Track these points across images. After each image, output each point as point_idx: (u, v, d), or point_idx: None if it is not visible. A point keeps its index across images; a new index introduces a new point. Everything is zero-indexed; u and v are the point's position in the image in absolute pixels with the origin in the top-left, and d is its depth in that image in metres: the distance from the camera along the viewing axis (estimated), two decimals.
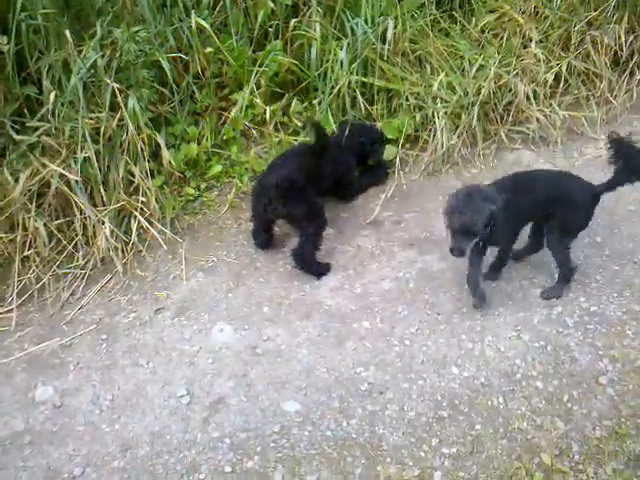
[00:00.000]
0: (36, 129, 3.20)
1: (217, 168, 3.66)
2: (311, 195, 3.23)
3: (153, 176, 3.44)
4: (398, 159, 3.78)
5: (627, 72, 4.17)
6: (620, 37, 4.06)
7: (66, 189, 3.15)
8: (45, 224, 3.12)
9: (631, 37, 4.12)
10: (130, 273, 3.28)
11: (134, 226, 3.29)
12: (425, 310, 3.04)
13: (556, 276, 3.06)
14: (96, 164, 3.20)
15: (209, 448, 2.54)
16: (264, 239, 3.37)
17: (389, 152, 3.77)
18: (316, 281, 3.22)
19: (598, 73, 4.11)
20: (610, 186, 2.94)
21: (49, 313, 3.11)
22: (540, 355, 2.82)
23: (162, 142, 3.42)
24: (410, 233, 3.42)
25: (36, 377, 2.83)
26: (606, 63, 4.10)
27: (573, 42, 4.07)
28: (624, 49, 4.08)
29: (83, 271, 3.22)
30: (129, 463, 2.49)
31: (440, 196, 3.63)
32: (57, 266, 3.21)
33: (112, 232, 3.20)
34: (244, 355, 2.89)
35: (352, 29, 3.73)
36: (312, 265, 3.21)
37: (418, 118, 3.77)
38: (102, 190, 3.25)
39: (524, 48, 4.01)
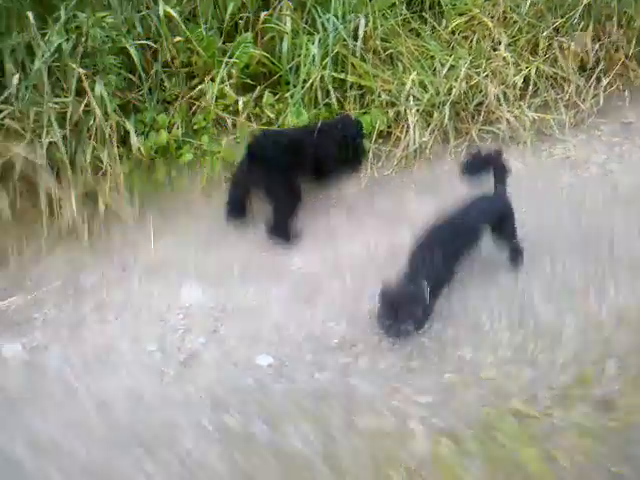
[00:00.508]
0: None
1: (188, 156, 3.88)
2: (292, 174, 3.59)
3: (122, 162, 3.65)
4: (371, 154, 4.10)
5: (594, 78, 4.58)
6: (586, 44, 4.49)
7: (31, 173, 3.35)
8: (10, 202, 3.31)
9: (597, 45, 4.56)
10: (97, 239, 3.49)
11: (102, 209, 3.50)
12: (394, 271, 3.22)
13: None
14: (62, 148, 3.40)
15: (186, 403, 2.74)
16: (236, 210, 3.67)
17: None
18: (286, 247, 3.52)
19: (566, 77, 4.51)
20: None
21: (13, 270, 3.27)
22: (506, 311, 3.17)
23: (131, 129, 3.65)
24: (381, 210, 3.80)
25: (1, 334, 2.99)
26: (573, 68, 4.50)
27: (541, 47, 4.47)
28: (590, 56, 4.51)
29: (49, 232, 3.40)
30: (106, 421, 2.65)
31: (412, 192, 3.99)
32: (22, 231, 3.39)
33: (78, 210, 3.40)
34: (214, 311, 3.13)
35: (323, 25, 4.06)
36: (284, 229, 3.53)
37: (391, 114, 4.09)
38: (69, 173, 3.45)
39: (494, 51, 4.38)
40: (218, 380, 2.84)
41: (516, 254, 3.40)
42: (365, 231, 3.66)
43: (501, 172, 3.34)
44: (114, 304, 3.17)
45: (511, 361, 2.95)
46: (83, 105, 3.51)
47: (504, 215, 3.30)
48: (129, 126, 3.65)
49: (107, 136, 3.55)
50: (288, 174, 3.56)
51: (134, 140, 3.64)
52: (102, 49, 3.67)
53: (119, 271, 3.34)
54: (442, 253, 3.00)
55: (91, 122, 3.55)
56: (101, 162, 3.56)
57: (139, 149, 3.67)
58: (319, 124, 3.74)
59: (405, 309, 2.85)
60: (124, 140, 3.73)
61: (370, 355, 2.98)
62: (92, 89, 3.52)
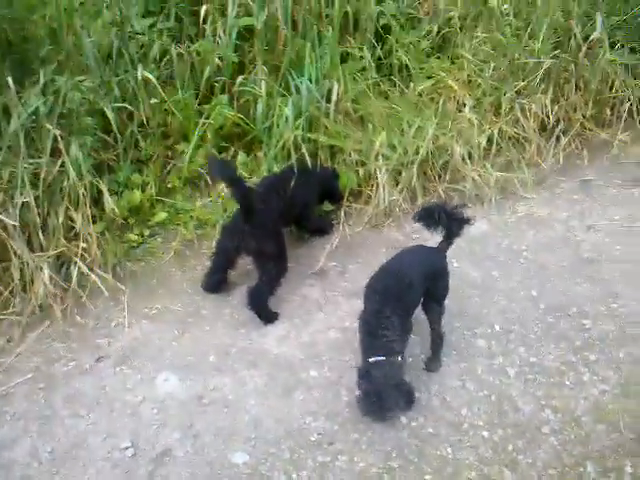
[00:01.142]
0: None
1: (161, 215, 3.73)
2: (281, 235, 3.42)
3: (95, 222, 3.47)
4: (342, 212, 3.98)
5: (554, 138, 4.57)
6: (546, 106, 4.47)
7: (3, 234, 3.14)
8: None
9: (556, 106, 4.54)
10: (70, 320, 3.24)
11: (74, 272, 3.28)
12: None
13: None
14: (35, 209, 3.21)
15: None
16: (217, 280, 3.44)
17: (326, 205, 4.01)
18: (263, 329, 3.29)
19: (527, 138, 4.48)
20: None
21: None
22: (485, 405, 2.97)
23: (104, 189, 3.48)
24: (354, 284, 3.55)
25: None
26: (534, 129, 4.48)
27: (504, 109, 4.44)
28: (550, 117, 4.49)
29: (20, 318, 3.16)
30: None
31: (383, 248, 3.85)
32: None
33: (51, 278, 3.17)
34: (190, 405, 2.90)
35: (297, 87, 3.97)
36: (264, 308, 3.30)
37: (361, 173, 4.00)
38: (41, 235, 3.24)
39: (459, 112, 4.34)
40: None
41: (437, 338, 3.12)
42: (339, 308, 3.48)
43: (452, 229, 3.08)
44: (86, 397, 2.93)
45: (491, 462, 2.76)
46: (58, 165, 3.33)
47: (437, 273, 3.08)
48: (102, 186, 3.48)
49: (81, 196, 3.35)
50: (278, 236, 3.39)
51: (108, 200, 3.47)
52: (79, 111, 3.52)
53: (92, 360, 3.11)
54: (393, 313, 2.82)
55: (65, 182, 3.36)
56: (73, 222, 3.35)
57: (112, 209, 3.48)
58: (293, 171, 3.59)
59: (390, 396, 2.71)
60: (97, 200, 3.54)
61: (349, 454, 2.76)
62: (67, 150, 3.35)
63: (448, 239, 3.12)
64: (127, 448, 2.70)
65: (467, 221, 3.09)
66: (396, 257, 3.12)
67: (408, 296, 2.92)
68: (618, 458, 2.75)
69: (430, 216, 3.04)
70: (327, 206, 4.02)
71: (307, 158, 3.70)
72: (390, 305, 2.81)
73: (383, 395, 2.70)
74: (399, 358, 2.78)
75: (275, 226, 3.40)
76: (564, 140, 4.59)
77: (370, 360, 2.78)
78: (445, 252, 3.14)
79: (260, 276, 3.31)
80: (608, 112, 4.79)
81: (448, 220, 3.02)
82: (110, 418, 2.83)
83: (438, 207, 3.04)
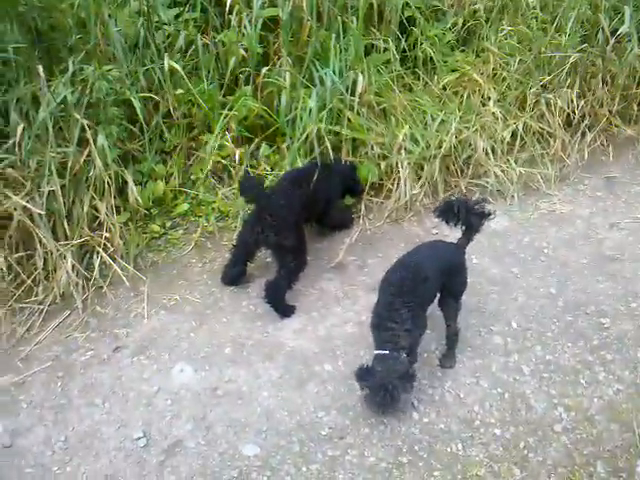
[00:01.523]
0: (0, 161, 3.16)
1: (183, 207, 3.67)
2: (301, 229, 3.32)
3: (118, 212, 3.42)
4: (363, 206, 3.86)
5: (579, 133, 4.39)
6: (572, 100, 4.28)
7: (29, 222, 3.10)
8: (5, 257, 3.05)
9: (582, 101, 4.36)
10: (90, 310, 3.21)
11: (96, 262, 3.25)
12: None
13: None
14: (61, 198, 3.17)
15: None
16: (236, 273, 3.37)
17: (347, 200, 3.88)
18: (279, 322, 3.22)
19: (552, 133, 4.31)
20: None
21: (3, 348, 3.01)
22: (498, 402, 2.87)
23: (129, 179, 3.42)
24: (373, 278, 3.44)
25: None
26: (559, 124, 4.30)
27: (529, 103, 4.26)
28: (576, 112, 4.30)
29: (41, 306, 3.14)
30: None
31: (402, 243, 3.73)
32: (14, 300, 3.13)
33: (73, 267, 3.15)
34: (204, 397, 2.84)
35: (321, 79, 3.84)
36: (281, 302, 3.22)
37: (383, 167, 3.87)
38: (65, 224, 3.21)
39: (483, 106, 4.18)
40: (201, 471, 2.56)
41: (453, 334, 3.00)
42: (357, 302, 3.38)
43: (472, 224, 2.95)
44: (103, 386, 2.89)
45: (501, 459, 2.66)
46: (84, 155, 3.28)
47: (454, 268, 2.95)
48: (128, 176, 3.41)
49: (105, 186, 3.29)
50: (298, 230, 3.29)
51: (133, 190, 3.40)
52: (106, 101, 3.46)
53: (110, 350, 3.06)
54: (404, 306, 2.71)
55: (91, 172, 3.31)
56: (97, 211, 3.31)
57: (136, 199, 3.42)
58: (317, 166, 3.47)
59: (394, 388, 2.61)
60: (121, 190, 3.49)
61: (359, 448, 2.68)
62: (94, 139, 3.29)
63: (468, 235, 3.00)
64: (139, 438, 2.66)
65: (487, 216, 2.95)
66: (413, 251, 3.00)
67: (423, 290, 2.80)
68: (630, 458, 2.64)
69: (450, 210, 2.91)
70: (348, 199, 3.91)
71: (330, 151, 3.60)
72: (403, 298, 2.71)
73: (386, 388, 2.60)
74: (404, 354, 2.68)
75: (296, 220, 3.29)
76: (589, 136, 4.42)
77: (375, 352, 2.70)
78: (464, 248, 3.02)
79: (279, 270, 3.23)
80: (635, 108, 4.57)
81: (468, 215, 2.90)
82: (124, 408, 2.79)
83: (459, 202, 2.92)
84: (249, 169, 3.78)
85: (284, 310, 3.24)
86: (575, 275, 3.54)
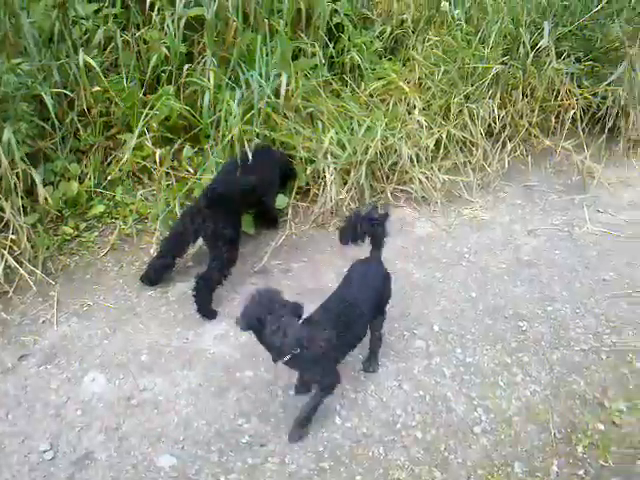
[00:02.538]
0: None
1: (99, 208, 3.55)
2: (240, 220, 3.35)
3: (26, 213, 3.26)
4: (290, 209, 3.86)
5: (500, 143, 4.55)
6: (493, 111, 4.46)
7: None
8: None
9: (503, 112, 4.53)
10: None
11: (1, 265, 3.08)
12: None
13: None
14: None
15: None
16: (162, 265, 3.29)
17: (281, 201, 3.86)
18: (200, 328, 3.15)
19: (474, 142, 4.45)
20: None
21: None
22: (419, 405, 2.91)
23: (38, 178, 3.26)
24: (298, 282, 3.46)
25: None
26: (481, 133, 4.45)
27: (452, 112, 4.40)
28: (497, 122, 4.48)
29: None
30: None
31: (328, 247, 3.75)
32: None
33: None
34: (117, 406, 2.74)
35: (247, 81, 3.83)
36: (209, 296, 3.19)
37: (309, 171, 3.89)
38: None
39: (408, 114, 4.28)
40: None
41: (377, 339, 2.99)
42: None
43: (378, 233, 2.86)
44: (6, 397, 2.72)
45: (422, 462, 2.69)
46: None
47: (383, 290, 2.92)
48: (36, 175, 3.26)
49: (12, 185, 3.13)
50: (237, 221, 3.34)
51: (41, 190, 3.26)
52: (15, 95, 3.29)
53: (15, 358, 2.91)
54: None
55: None
56: (3, 212, 3.13)
57: (46, 199, 3.27)
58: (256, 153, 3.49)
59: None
60: (30, 190, 3.32)
61: (280, 455, 2.65)
62: (0, 136, 3.11)
63: (378, 245, 2.90)
64: (46, 451, 2.53)
65: (387, 217, 2.87)
66: (347, 282, 2.84)
67: (358, 327, 2.75)
68: (546, 458, 2.72)
69: (352, 230, 2.81)
70: (280, 203, 3.88)
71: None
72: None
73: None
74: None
75: (237, 210, 3.33)
76: (510, 145, 4.59)
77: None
78: (381, 260, 2.96)
79: (211, 262, 3.20)
80: (553, 120, 4.80)
81: (371, 227, 2.81)
82: (30, 420, 2.65)
83: (356, 218, 2.81)
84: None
85: (207, 309, 3.19)
86: (495, 280, 3.66)
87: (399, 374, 3.04)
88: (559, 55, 4.69)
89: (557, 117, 4.80)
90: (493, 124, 4.49)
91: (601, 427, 2.84)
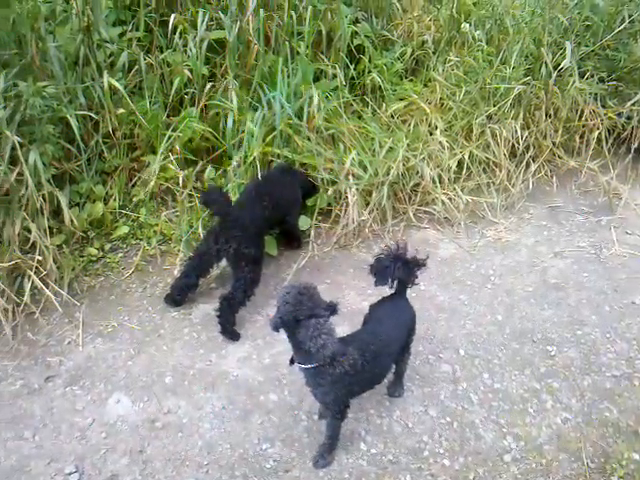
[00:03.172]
0: None
1: (123, 229, 3.60)
2: (263, 241, 3.38)
3: (53, 234, 3.32)
4: (312, 231, 3.89)
5: (524, 163, 4.56)
6: (517, 131, 4.47)
7: None
8: None
9: (526, 132, 4.54)
10: (20, 336, 3.09)
11: (27, 286, 3.13)
12: None
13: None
14: None
15: None
16: (186, 284, 3.32)
17: (303, 222, 3.89)
18: (223, 350, 3.16)
19: (497, 163, 4.46)
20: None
21: None
22: (447, 432, 2.89)
23: (64, 200, 3.33)
24: None
25: None
26: (504, 154, 4.46)
27: (475, 133, 4.41)
28: (520, 142, 4.48)
29: None
30: None
31: (351, 269, 3.77)
32: None
33: (2, 291, 3.03)
34: (142, 429, 2.75)
35: (269, 102, 3.89)
36: (233, 317, 3.21)
37: (331, 192, 3.93)
38: None
39: (430, 135, 4.30)
40: None
41: (402, 369, 2.98)
42: None
43: (410, 276, 2.77)
44: (33, 418, 2.76)
45: None
46: (15, 174, 3.18)
47: (412, 325, 2.87)
48: (62, 197, 3.33)
49: (38, 207, 3.20)
50: (260, 241, 3.37)
51: (67, 211, 3.31)
52: (41, 118, 3.37)
53: (41, 379, 2.94)
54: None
55: (22, 192, 3.20)
56: (30, 233, 3.20)
57: (72, 221, 3.33)
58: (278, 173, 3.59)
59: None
60: (57, 212, 3.39)
61: None
62: (26, 158, 3.19)
63: (407, 285, 2.82)
64: (72, 473, 2.55)
65: (423, 264, 2.78)
66: (377, 317, 2.78)
67: (384, 362, 2.73)
68: None
69: (390, 271, 2.71)
70: (303, 224, 3.92)
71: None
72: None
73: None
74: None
75: (260, 231, 3.36)
76: (534, 166, 4.60)
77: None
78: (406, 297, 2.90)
79: (235, 283, 3.22)
80: (577, 140, 4.80)
81: (405, 269, 2.72)
82: (56, 441, 2.67)
83: (395, 260, 2.71)
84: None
85: (231, 330, 3.22)
86: (521, 302, 3.64)
87: (425, 399, 3.03)
88: (582, 75, 4.71)
89: (582, 137, 4.79)
90: (516, 144, 4.50)
91: (636, 457, 2.81)
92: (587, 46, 4.81)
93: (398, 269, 2.69)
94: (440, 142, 4.24)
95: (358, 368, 2.49)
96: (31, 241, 3.21)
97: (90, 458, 2.62)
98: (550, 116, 4.70)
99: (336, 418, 2.62)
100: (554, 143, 4.70)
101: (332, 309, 2.37)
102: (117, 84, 3.58)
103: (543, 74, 4.59)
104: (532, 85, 4.58)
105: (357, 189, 3.91)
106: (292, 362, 2.49)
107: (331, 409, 2.60)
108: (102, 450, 2.65)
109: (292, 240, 3.86)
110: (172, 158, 3.67)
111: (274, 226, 3.67)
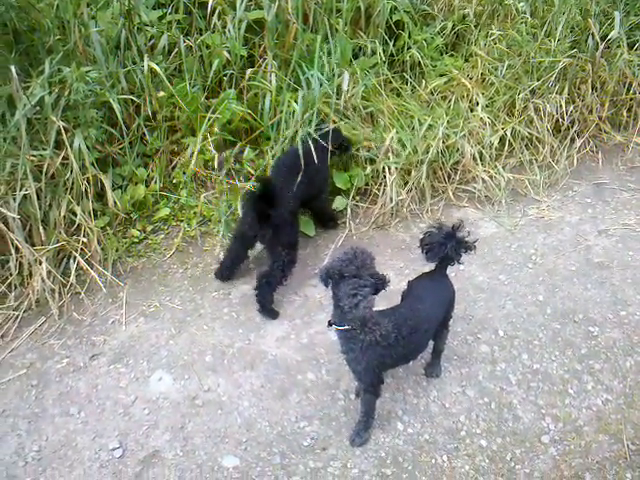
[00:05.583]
0: None
1: (165, 211, 3.64)
2: (297, 223, 3.34)
3: (97, 216, 3.39)
4: (349, 210, 3.85)
5: (568, 139, 4.41)
6: (561, 106, 4.30)
7: (3, 226, 3.06)
8: None
9: (571, 107, 4.37)
10: (66, 316, 3.17)
11: (73, 267, 3.21)
12: None
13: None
14: (36, 202, 3.13)
15: None
16: (234, 261, 3.35)
17: (340, 203, 3.85)
18: (262, 330, 3.19)
19: (541, 139, 4.32)
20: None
21: None
22: (484, 412, 2.86)
23: (107, 183, 3.39)
24: None
25: None
26: (548, 129, 4.31)
27: (517, 108, 4.27)
28: (565, 118, 4.32)
29: (16, 312, 3.10)
30: None
31: (389, 249, 3.72)
32: None
33: (49, 273, 3.11)
34: (183, 406, 2.81)
35: (308, 81, 3.83)
36: (271, 296, 3.22)
37: (369, 171, 3.87)
38: (41, 229, 3.16)
39: (471, 111, 4.18)
40: None
41: (439, 349, 2.95)
42: None
43: (457, 258, 2.71)
44: (78, 395, 2.84)
45: (487, 471, 2.65)
46: (60, 158, 3.24)
47: (449, 306, 2.82)
48: (105, 180, 3.38)
49: (83, 189, 3.26)
50: (295, 225, 3.30)
51: (110, 194, 3.37)
52: (84, 103, 3.42)
53: (87, 357, 3.01)
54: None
55: (67, 175, 3.27)
56: (75, 215, 3.27)
57: (115, 203, 3.38)
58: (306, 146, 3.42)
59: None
60: (100, 194, 3.45)
61: (342, 460, 2.66)
62: (71, 142, 3.25)
63: (450, 263, 2.76)
64: (115, 449, 2.62)
65: (474, 247, 2.71)
66: (417, 293, 2.73)
67: (420, 339, 2.68)
68: (619, 470, 2.64)
69: (442, 248, 2.64)
70: (340, 203, 3.86)
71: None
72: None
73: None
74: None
75: (293, 213, 3.29)
76: (579, 142, 4.45)
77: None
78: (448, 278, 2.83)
79: (271, 265, 3.21)
80: (625, 114, 4.60)
81: (457, 248, 2.66)
82: (100, 417, 2.75)
83: (447, 237, 2.63)
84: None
85: (269, 309, 3.23)
86: (563, 282, 3.54)
87: (463, 380, 2.99)
88: (631, 46, 4.50)
89: (629, 111, 4.61)
90: (561, 120, 4.34)
91: None
92: (637, 15, 4.57)
93: (451, 248, 2.65)
94: (481, 118, 4.13)
95: (391, 341, 2.47)
96: (76, 223, 3.28)
97: (133, 434, 2.69)
98: (596, 90, 4.52)
99: (368, 392, 2.61)
100: (600, 117, 4.52)
101: (378, 280, 2.37)
102: (157, 67, 3.59)
103: (590, 46, 4.39)
104: (578, 58, 4.39)
105: (396, 168, 3.84)
106: (330, 324, 2.49)
107: (363, 380, 2.59)
108: (144, 426, 2.72)
109: (327, 220, 3.82)
110: (210, 140, 3.66)
111: (306, 204, 3.62)
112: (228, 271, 3.40)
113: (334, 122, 3.78)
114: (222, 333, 3.17)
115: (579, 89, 4.51)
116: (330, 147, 3.55)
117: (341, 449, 2.68)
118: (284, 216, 3.17)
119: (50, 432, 2.68)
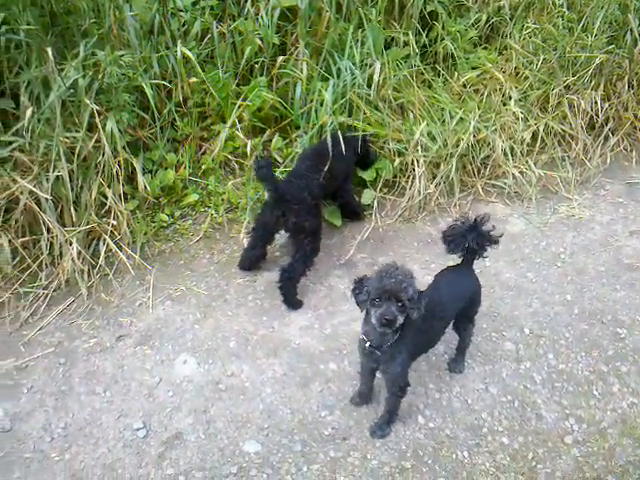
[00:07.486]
0: (9, 143, 3.16)
1: (193, 197, 3.66)
2: (320, 212, 3.34)
3: (127, 200, 3.42)
4: (376, 202, 3.83)
5: (602, 137, 4.34)
6: (596, 103, 4.23)
7: (35, 207, 3.11)
8: (10, 240, 3.06)
9: (606, 104, 4.30)
10: (94, 297, 3.22)
11: (102, 249, 3.25)
12: None
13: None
14: (68, 183, 3.17)
15: None
16: (256, 255, 3.36)
17: (367, 196, 3.84)
18: (286, 318, 3.20)
19: (574, 135, 4.26)
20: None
21: (7, 332, 3.02)
22: (507, 410, 2.84)
23: (138, 166, 3.42)
24: None
25: None
26: (582, 126, 4.25)
27: (551, 104, 4.22)
28: (600, 114, 4.25)
29: (46, 291, 3.15)
30: None
31: (415, 242, 3.71)
32: (19, 284, 3.14)
33: (79, 253, 3.15)
34: (206, 390, 2.84)
35: (339, 70, 3.81)
36: (294, 287, 3.22)
37: (397, 164, 3.84)
38: (72, 210, 3.20)
39: (503, 105, 4.13)
40: (200, 466, 2.57)
41: (466, 338, 2.93)
42: None
43: (482, 252, 2.73)
44: (104, 375, 2.88)
45: (508, 469, 2.64)
46: (93, 141, 3.27)
47: (472, 300, 2.81)
48: (136, 163, 3.41)
49: (114, 172, 3.29)
50: (318, 212, 3.31)
51: (141, 178, 3.40)
52: (118, 86, 3.45)
53: (113, 338, 3.05)
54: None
55: (99, 158, 3.30)
56: (106, 198, 3.31)
57: (145, 187, 3.41)
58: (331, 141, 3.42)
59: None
60: (131, 178, 3.48)
61: (362, 450, 2.67)
62: (103, 125, 3.28)
63: (476, 257, 2.76)
64: (139, 429, 2.66)
65: (497, 241, 2.71)
66: (436, 283, 2.75)
67: (434, 327, 2.66)
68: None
69: (464, 240, 2.65)
70: (367, 197, 3.85)
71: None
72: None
73: None
74: None
75: (315, 202, 3.29)
76: (613, 140, 4.38)
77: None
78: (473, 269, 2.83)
79: (294, 254, 3.22)
80: None
81: (480, 240, 2.66)
82: (126, 398, 2.79)
83: (471, 230, 2.64)
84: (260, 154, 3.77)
85: (293, 300, 3.24)
86: (592, 282, 3.50)
87: (486, 377, 2.98)
88: None
89: None
90: (595, 117, 4.28)
91: None
92: None
93: (473, 240, 2.63)
94: (514, 113, 4.07)
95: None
96: (106, 206, 3.31)
97: (157, 415, 2.73)
98: (633, 87, 4.46)
99: (395, 395, 2.61)
100: (636, 116, 4.46)
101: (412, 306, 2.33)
102: (190, 53, 3.60)
103: (628, 42, 4.31)
104: (615, 54, 4.30)
105: (425, 161, 3.82)
106: (364, 342, 2.50)
107: (398, 382, 2.56)
108: (168, 408, 2.76)
109: (351, 213, 3.80)
110: (239, 126, 3.67)
111: (329, 196, 3.62)
112: (249, 262, 3.40)
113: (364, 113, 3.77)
114: (246, 320, 3.19)
115: (615, 86, 4.44)
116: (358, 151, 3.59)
117: (361, 440, 2.69)
118: (307, 202, 3.17)
119: (76, 410, 2.73)
